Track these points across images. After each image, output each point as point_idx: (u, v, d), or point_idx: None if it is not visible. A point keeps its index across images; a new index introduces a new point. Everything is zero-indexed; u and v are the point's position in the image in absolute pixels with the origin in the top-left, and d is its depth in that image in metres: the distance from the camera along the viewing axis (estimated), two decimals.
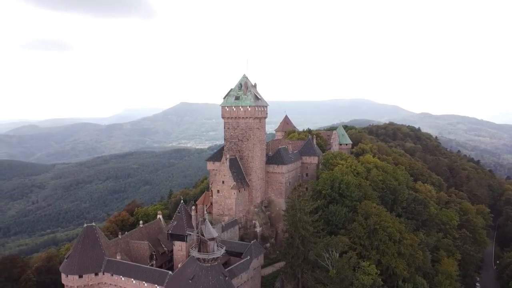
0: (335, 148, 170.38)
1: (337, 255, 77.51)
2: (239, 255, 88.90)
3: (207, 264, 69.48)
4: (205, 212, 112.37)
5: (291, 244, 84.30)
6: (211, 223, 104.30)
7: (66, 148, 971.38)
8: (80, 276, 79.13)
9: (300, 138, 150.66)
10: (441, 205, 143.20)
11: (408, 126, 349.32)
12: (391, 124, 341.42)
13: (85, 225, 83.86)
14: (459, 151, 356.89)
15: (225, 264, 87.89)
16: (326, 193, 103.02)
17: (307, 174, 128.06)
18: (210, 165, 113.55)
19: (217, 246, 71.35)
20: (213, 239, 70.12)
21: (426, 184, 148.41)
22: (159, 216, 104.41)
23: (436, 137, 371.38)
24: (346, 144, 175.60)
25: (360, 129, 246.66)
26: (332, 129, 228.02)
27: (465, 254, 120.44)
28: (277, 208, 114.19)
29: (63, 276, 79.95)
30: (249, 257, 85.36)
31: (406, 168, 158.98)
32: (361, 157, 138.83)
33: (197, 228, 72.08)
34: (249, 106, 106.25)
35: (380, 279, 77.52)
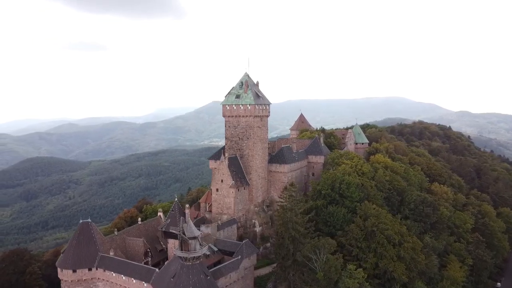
0: (350, 147, 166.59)
1: (325, 257, 75.53)
2: (232, 254, 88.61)
3: (188, 263, 69.56)
4: (206, 210, 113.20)
5: (281, 244, 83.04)
6: (210, 222, 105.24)
7: (102, 145, 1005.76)
8: (74, 271, 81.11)
9: (311, 137, 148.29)
10: (458, 207, 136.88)
11: (439, 124, 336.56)
12: (420, 122, 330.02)
13: (81, 221, 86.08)
14: (491, 151, 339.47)
15: (218, 263, 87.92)
16: (326, 193, 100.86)
17: (313, 174, 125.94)
18: (212, 164, 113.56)
19: (199, 245, 71.19)
20: (194, 238, 70.01)
21: (443, 186, 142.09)
22: (160, 214, 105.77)
23: (469, 136, 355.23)
24: (362, 143, 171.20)
25: (381, 128, 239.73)
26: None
27: (477, 259, 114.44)
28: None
29: (58, 270, 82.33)
30: (240, 256, 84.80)
31: (423, 168, 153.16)
32: (371, 157, 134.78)
33: (176, 226, 72.15)
34: (249, 105, 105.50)
35: (368, 284, 74.96)
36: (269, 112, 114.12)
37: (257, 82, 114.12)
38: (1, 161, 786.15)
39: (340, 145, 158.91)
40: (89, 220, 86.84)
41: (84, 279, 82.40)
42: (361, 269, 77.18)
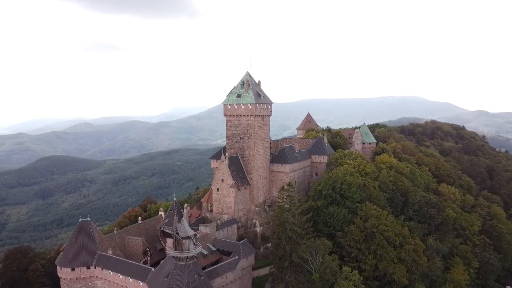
0: (357, 147, 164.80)
1: (320, 258, 74.56)
2: (230, 254, 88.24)
3: (181, 263, 69.47)
4: (208, 210, 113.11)
5: (278, 245, 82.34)
6: (210, 221, 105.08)
7: (117, 145, 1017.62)
8: (73, 269, 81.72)
9: (316, 137, 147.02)
10: (466, 209, 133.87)
11: (452, 124, 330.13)
12: (432, 122, 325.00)
13: (80, 219, 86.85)
14: (506, 151, 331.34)
15: (217, 263, 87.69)
16: (326, 193, 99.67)
17: (316, 174, 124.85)
18: (213, 163, 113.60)
19: (193, 244, 71.00)
20: (188, 237, 69.85)
21: (451, 187, 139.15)
22: (161, 213, 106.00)
23: (483, 136, 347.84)
24: (370, 143, 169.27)
25: (390, 127, 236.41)
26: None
27: (483, 262, 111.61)
28: None
29: (58, 268, 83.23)
30: (237, 257, 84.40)
31: (431, 169, 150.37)
32: (377, 157, 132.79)
33: (171, 226, 72.12)
34: (250, 104, 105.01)
35: (366, 286, 73.70)
36: (271, 111, 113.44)
37: (259, 81, 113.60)
38: (18, 160, 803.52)
39: (347, 145, 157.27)
40: (88, 219, 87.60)
41: (83, 277, 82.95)
42: (357, 271, 75.84)
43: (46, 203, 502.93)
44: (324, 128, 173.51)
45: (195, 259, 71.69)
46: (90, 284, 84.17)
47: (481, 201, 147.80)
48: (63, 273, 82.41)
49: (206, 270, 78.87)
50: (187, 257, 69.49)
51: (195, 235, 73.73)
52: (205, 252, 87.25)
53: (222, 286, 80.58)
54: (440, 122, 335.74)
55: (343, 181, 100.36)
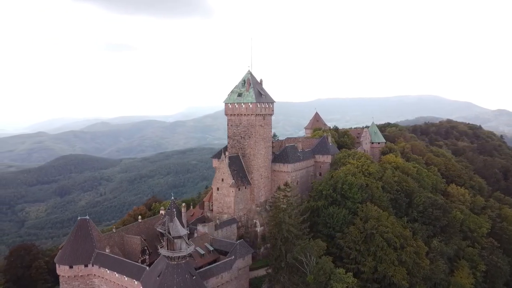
0: (365, 146, 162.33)
1: (315, 259, 73.34)
2: (227, 254, 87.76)
3: (173, 262, 69.33)
4: (209, 209, 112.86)
5: (274, 246, 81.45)
6: (210, 221, 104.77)
7: (133, 144, 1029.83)
8: (71, 267, 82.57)
9: (321, 136, 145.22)
10: (475, 210, 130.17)
11: (468, 123, 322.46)
12: (448, 121, 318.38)
13: (79, 218, 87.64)
14: None
15: (214, 262, 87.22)
16: (327, 193, 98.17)
17: (320, 174, 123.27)
18: (215, 163, 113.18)
19: (185, 244, 70.77)
20: (179, 237, 69.65)
21: (460, 188, 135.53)
22: (162, 212, 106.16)
23: (501, 136, 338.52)
24: (379, 143, 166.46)
25: (401, 127, 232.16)
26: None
27: (491, 265, 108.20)
28: None
29: (57, 266, 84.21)
30: (233, 257, 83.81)
31: (440, 169, 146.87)
32: (383, 157, 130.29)
33: (164, 225, 72.01)
34: (251, 103, 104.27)
35: None
36: (272, 110, 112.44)
37: (261, 80, 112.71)
38: (38, 158, 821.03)
39: (354, 144, 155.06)
40: (87, 217, 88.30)
41: (81, 275, 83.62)
42: (351, 273, 74.34)
43: (64, 201, 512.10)
44: (331, 128, 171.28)
45: (187, 259, 71.48)
46: (88, 282, 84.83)
47: (492, 202, 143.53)
48: (62, 270, 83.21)
49: (201, 269, 78.62)
50: (179, 256, 69.35)
51: (187, 234, 73.60)
52: (202, 252, 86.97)
53: (218, 286, 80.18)
54: (456, 121, 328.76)
55: (344, 181, 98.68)
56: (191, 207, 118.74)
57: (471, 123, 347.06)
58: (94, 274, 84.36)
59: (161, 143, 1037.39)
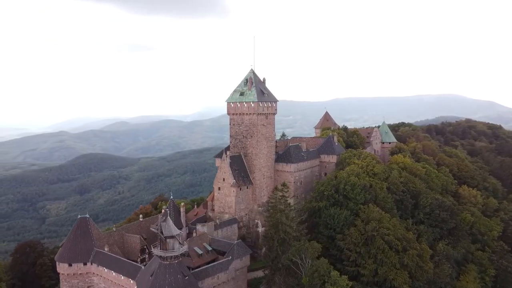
0: (375, 146, 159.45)
1: (310, 261, 71.83)
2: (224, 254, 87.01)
3: (165, 262, 69.01)
4: (211, 209, 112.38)
5: (271, 247, 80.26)
6: (211, 220, 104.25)
7: (152, 143, 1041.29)
8: (70, 265, 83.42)
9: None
10: (487, 213, 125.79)
11: (488, 123, 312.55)
12: (466, 121, 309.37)
13: (79, 216, 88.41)
14: None
15: (212, 262, 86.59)
16: (328, 194, 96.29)
17: (325, 174, 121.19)
18: (218, 162, 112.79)
19: (178, 244, 70.33)
20: (172, 237, 69.25)
21: (472, 189, 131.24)
22: (163, 211, 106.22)
23: None
24: (390, 143, 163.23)
25: (415, 126, 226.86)
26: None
27: (501, 270, 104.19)
28: None
29: (56, 264, 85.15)
30: (230, 257, 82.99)
31: (452, 170, 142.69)
32: (391, 157, 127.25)
33: (157, 225, 71.77)
34: (253, 102, 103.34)
35: None
36: (275, 109, 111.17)
37: (264, 79, 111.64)
38: (59, 157, 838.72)
39: (363, 144, 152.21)
40: (87, 215, 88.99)
41: (80, 273, 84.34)
42: (346, 276, 72.49)
43: (84, 199, 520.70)
44: (340, 127, 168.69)
45: (180, 259, 71.03)
46: (87, 280, 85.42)
47: (506, 204, 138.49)
48: (61, 268, 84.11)
49: (196, 270, 78.10)
50: (171, 256, 68.99)
51: (185, 234, 73.37)
52: (200, 252, 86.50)
53: (214, 287, 79.52)
54: (474, 121, 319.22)
55: (346, 182, 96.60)
56: (202, 206, 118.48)
57: (492, 123, 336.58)
58: (93, 272, 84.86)
59: (178, 142, 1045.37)
